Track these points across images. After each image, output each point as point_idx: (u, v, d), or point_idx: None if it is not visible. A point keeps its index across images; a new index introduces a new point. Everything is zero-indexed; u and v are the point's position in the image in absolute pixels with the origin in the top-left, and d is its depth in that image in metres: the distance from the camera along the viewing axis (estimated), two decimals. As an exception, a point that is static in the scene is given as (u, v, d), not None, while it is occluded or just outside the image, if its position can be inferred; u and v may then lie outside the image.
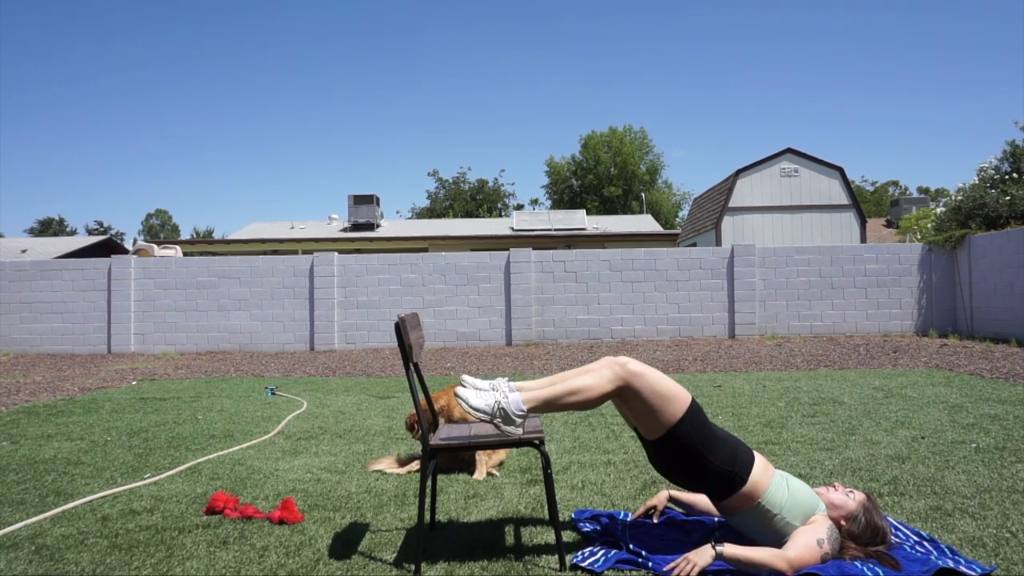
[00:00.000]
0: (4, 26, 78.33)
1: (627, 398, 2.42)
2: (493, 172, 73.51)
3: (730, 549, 2.25)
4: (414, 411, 3.80)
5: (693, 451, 2.38)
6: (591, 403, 2.44)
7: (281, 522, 2.86)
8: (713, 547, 2.25)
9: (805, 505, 2.38)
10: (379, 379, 7.83)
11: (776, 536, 2.34)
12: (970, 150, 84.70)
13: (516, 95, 78.90)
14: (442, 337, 11.82)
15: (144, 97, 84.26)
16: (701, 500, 2.83)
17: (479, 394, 2.44)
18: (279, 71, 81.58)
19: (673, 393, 2.41)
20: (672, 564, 2.27)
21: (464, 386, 2.47)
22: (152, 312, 11.97)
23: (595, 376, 2.42)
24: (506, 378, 2.54)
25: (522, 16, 75.07)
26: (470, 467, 3.65)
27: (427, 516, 2.85)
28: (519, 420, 2.42)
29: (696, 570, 2.21)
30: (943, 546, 2.43)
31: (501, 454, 3.74)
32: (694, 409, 2.43)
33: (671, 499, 2.87)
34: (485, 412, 2.40)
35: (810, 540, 2.29)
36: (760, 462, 2.45)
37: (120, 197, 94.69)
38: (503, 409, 2.40)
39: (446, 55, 77.37)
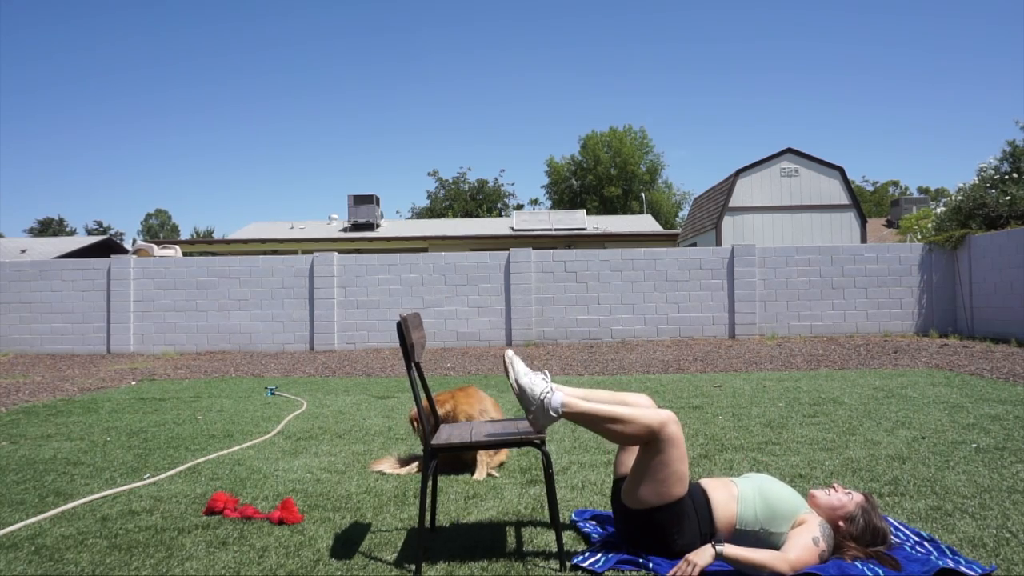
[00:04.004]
0: (4, 26, 78.35)
1: (646, 451, 2.36)
2: (493, 172, 73.51)
3: (730, 549, 2.24)
4: (415, 409, 3.74)
5: (666, 536, 2.36)
6: (623, 438, 2.39)
7: (281, 522, 2.86)
8: (713, 547, 2.25)
9: (784, 511, 2.37)
10: (379, 379, 7.83)
11: (771, 547, 2.34)
12: (970, 150, 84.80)
13: (516, 95, 78.99)
14: (442, 337, 11.81)
15: (144, 97, 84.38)
16: None
17: (528, 374, 2.42)
18: (279, 71, 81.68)
19: (683, 478, 2.36)
20: (675, 568, 2.25)
21: (512, 358, 2.45)
22: (152, 312, 11.97)
23: (639, 413, 2.36)
24: (547, 373, 2.52)
25: (522, 16, 75.13)
26: (471, 468, 3.65)
27: (427, 516, 2.85)
28: (550, 420, 2.39)
29: (697, 571, 2.21)
30: (943, 546, 2.43)
31: (502, 455, 3.74)
32: (684, 500, 2.38)
33: None
34: (527, 393, 2.38)
35: (807, 540, 2.29)
36: (717, 496, 2.41)
37: (120, 197, 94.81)
38: (543, 402, 2.38)
39: (446, 55, 77.45)
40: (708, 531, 2.37)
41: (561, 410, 2.38)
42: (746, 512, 2.37)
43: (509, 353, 2.47)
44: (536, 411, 2.39)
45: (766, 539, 2.34)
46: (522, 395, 2.39)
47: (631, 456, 2.51)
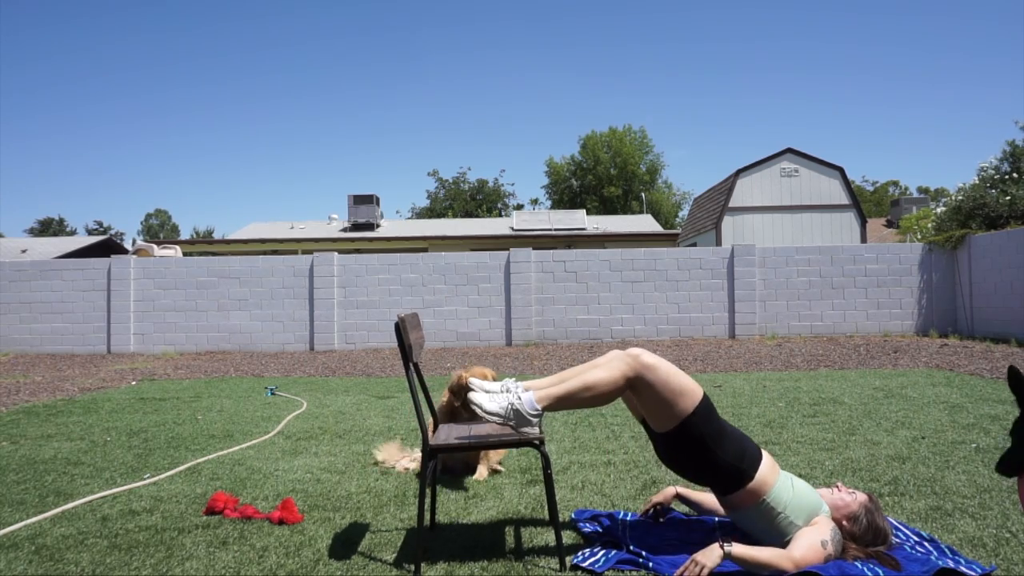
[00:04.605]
0: (4, 26, 78.35)
1: (639, 390, 2.40)
2: (493, 172, 73.60)
3: (738, 549, 2.23)
4: (462, 376, 3.53)
5: (702, 446, 2.37)
6: (605, 398, 2.42)
7: (281, 522, 2.86)
8: (721, 547, 2.23)
9: (808, 506, 2.38)
10: (379, 379, 7.83)
11: (779, 535, 2.34)
12: (970, 150, 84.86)
13: (516, 95, 78.99)
14: (442, 337, 11.81)
15: (144, 97, 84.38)
16: (707, 499, 2.81)
17: (492, 397, 2.42)
18: (279, 71, 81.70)
19: (685, 387, 2.39)
20: (681, 568, 2.24)
21: (474, 390, 2.45)
22: (152, 312, 11.97)
23: (607, 370, 2.38)
24: (513, 379, 2.52)
25: (522, 16, 75.12)
26: (472, 468, 3.63)
27: (427, 516, 2.85)
28: (534, 420, 2.40)
29: (705, 571, 2.19)
30: (943, 546, 2.43)
31: (499, 452, 3.73)
32: (706, 403, 2.42)
33: (678, 496, 2.84)
34: (500, 416, 2.38)
35: (814, 541, 2.29)
36: (768, 460, 2.45)
37: (120, 197, 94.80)
38: (516, 411, 2.38)
39: (446, 55, 77.45)
40: (750, 473, 2.37)
41: (538, 406, 2.39)
42: (781, 491, 2.38)
43: (473, 382, 2.49)
44: (516, 421, 2.39)
45: (782, 524, 2.35)
46: (497, 419, 2.39)
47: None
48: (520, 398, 2.40)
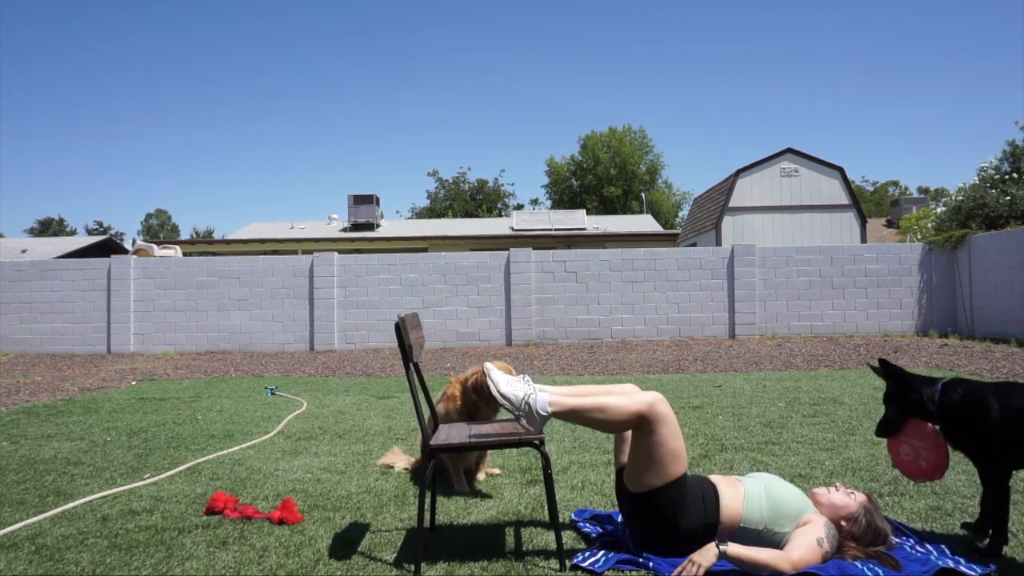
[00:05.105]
0: (4, 26, 78.37)
1: (640, 436, 2.38)
2: (493, 172, 73.55)
3: (734, 548, 2.24)
4: (475, 375, 3.47)
5: (669, 516, 2.37)
6: (612, 426, 2.41)
7: (281, 522, 2.86)
8: (717, 546, 2.24)
9: (790, 510, 2.37)
10: (379, 379, 7.83)
11: (773, 545, 2.34)
12: (970, 150, 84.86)
13: (516, 95, 78.97)
14: (442, 337, 11.81)
15: (144, 97, 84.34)
16: None
17: (510, 381, 2.42)
18: (279, 71, 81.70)
19: (679, 455, 2.38)
20: (679, 568, 2.25)
21: (491, 370, 2.46)
22: (152, 312, 11.97)
23: (626, 400, 2.37)
24: (528, 376, 2.53)
25: (522, 16, 75.12)
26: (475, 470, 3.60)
27: (427, 516, 2.85)
28: (541, 420, 2.40)
29: (701, 571, 2.20)
30: (943, 546, 2.43)
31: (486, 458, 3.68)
32: (685, 477, 2.41)
33: None
34: (511, 402, 2.39)
35: (811, 540, 2.29)
36: (725, 491, 2.42)
37: (120, 197, 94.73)
38: (529, 405, 2.38)
39: (446, 55, 77.46)
40: (713, 521, 2.37)
41: (549, 409, 2.39)
42: (751, 511, 2.37)
43: (488, 365, 2.50)
44: (525, 415, 2.40)
45: (769, 538, 2.34)
46: (508, 404, 2.40)
47: (628, 444, 2.52)
48: (536, 395, 2.40)
